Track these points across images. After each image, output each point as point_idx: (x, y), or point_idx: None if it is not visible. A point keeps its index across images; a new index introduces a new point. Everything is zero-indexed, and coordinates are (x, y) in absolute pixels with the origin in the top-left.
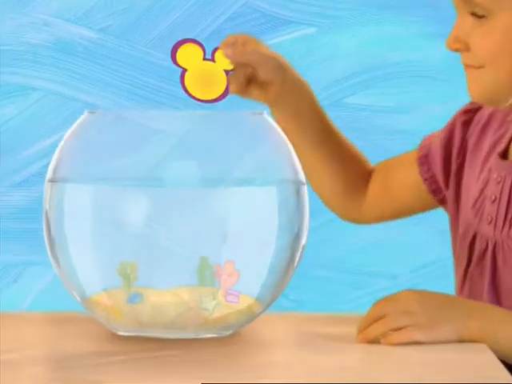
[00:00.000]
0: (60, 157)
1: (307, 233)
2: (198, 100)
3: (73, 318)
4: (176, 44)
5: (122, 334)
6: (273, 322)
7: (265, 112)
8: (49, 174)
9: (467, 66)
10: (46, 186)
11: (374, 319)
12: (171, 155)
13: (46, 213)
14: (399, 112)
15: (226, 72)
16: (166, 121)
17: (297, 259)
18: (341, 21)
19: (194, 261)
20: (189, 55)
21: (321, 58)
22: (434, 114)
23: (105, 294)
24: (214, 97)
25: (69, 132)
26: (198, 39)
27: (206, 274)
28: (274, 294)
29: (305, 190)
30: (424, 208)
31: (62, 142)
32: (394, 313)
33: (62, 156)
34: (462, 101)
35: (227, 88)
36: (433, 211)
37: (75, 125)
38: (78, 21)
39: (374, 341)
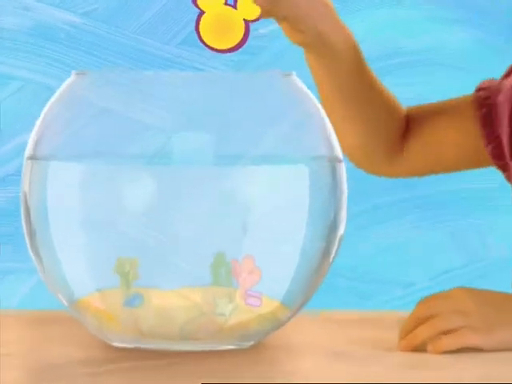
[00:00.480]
0: (43, 128)
1: (345, 221)
2: (209, 47)
3: (59, 319)
4: None
5: (117, 345)
6: (299, 325)
7: (294, 73)
8: (29, 150)
9: None
10: (26, 164)
11: (419, 321)
12: (180, 126)
13: (25, 197)
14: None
15: (246, 22)
16: (174, 84)
17: (333, 253)
18: (348, 4)
19: (206, 256)
20: None
21: None
22: None
23: (97, 295)
24: (227, 46)
25: (53, 98)
26: (192, 22)
27: (222, 271)
28: (303, 295)
29: (342, 168)
30: (478, 166)
31: (44, 111)
32: (444, 313)
33: (46, 127)
34: None
35: (243, 39)
36: (447, 212)
37: (61, 89)
38: (60, 4)
39: (421, 347)
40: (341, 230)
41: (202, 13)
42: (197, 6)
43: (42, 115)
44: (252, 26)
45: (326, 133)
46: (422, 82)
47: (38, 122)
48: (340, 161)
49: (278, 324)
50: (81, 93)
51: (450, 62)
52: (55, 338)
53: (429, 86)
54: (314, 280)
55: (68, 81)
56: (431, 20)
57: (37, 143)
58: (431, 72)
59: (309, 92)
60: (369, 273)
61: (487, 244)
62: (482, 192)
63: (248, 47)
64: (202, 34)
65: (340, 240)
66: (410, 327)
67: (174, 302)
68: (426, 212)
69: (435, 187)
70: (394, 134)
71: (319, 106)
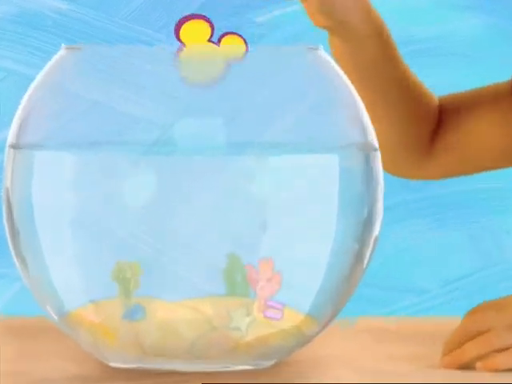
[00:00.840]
0: (28, 112)
1: (381, 218)
2: (187, 82)
3: (51, 329)
4: (183, 18)
5: (114, 365)
6: (327, 337)
7: (321, 47)
8: (11, 138)
9: None
10: (8, 154)
11: (467, 335)
12: (187, 109)
13: (8, 192)
14: None
15: None
16: (181, 60)
17: (367, 256)
18: None
19: (218, 261)
20: (195, 32)
21: None
22: None
23: (92, 306)
24: (205, 82)
25: (40, 77)
26: (186, 8)
27: (237, 278)
28: (333, 306)
29: (377, 157)
30: None
31: (29, 92)
32: (497, 328)
33: (31, 111)
34: (499, 79)
35: (222, 77)
36: (466, 214)
37: (49, 66)
38: None
39: (468, 366)
40: (376, 230)
41: (183, 46)
42: (179, 40)
43: (26, 96)
44: (249, 15)
45: (359, 116)
46: (433, 71)
47: (23, 104)
48: (375, 149)
49: (303, 340)
50: (72, 71)
51: (461, 49)
52: (45, 350)
53: (440, 74)
54: (345, 288)
55: (57, 56)
56: (441, 7)
57: (21, 129)
58: (442, 60)
59: (338, 68)
60: (379, 280)
61: (504, 246)
62: (499, 192)
63: (246, 36)
64: None
65: (375, 241)
66: (456, 342)
67: (180, 314)
68: (443, 213)
69: (451, 187)
70: (424, 127)
71: (350, 84)
